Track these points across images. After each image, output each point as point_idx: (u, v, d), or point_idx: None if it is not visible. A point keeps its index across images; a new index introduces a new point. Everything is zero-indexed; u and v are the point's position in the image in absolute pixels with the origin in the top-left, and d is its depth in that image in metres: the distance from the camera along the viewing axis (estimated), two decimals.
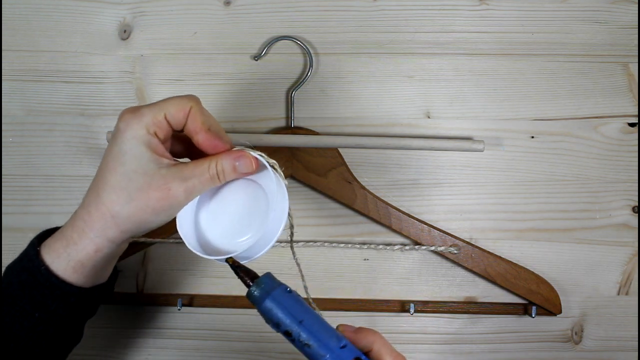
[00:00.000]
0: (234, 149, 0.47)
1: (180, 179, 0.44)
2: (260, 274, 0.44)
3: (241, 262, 0.45)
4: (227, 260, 0.45)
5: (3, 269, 0.69)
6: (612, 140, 0.69)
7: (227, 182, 0.49)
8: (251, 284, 0.43)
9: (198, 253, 0.47)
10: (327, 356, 0.40)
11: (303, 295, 0.47)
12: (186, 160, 0.47)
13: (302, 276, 0.53)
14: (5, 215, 0.70)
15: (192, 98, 0.46)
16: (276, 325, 0.42)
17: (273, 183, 0.46)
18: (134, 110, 0.44)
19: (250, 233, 0.47)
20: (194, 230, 0.49)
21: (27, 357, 0.46)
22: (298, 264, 0.53)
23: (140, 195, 0.43)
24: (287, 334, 0.41)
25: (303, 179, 0.66)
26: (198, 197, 0.48)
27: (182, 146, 0.49)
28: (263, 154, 0.47)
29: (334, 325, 0.43)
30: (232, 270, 0.45)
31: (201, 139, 0.45)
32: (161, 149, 0.45)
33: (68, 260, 0.46)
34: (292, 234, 0.52)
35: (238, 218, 0.49)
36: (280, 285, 0.43)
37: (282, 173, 0.47)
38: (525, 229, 0.69)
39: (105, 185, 0.44)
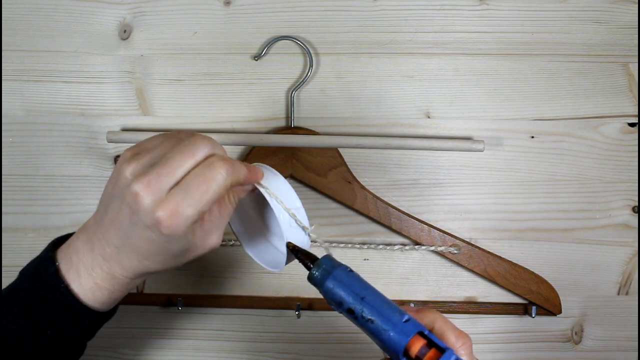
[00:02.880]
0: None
1: (215, 227, 0.45)
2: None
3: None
4: (287, 245, 0.46)
5: (3, 269, 0.69)
6: (612, 140, 0.69)
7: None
8: (312, 266, 0.44)
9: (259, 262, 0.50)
10: (391, 330, 0.40)
11: None
12: None
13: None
14: (5, 215, 0.70)
15: (224, 164, 0.43)
16: (338, 304, 0.42)
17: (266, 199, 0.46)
18: (175, 213, 0.41)
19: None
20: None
21: None
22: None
23: (185, 259, 0.45)
24: (350, 312, 0.42)
25: (303, 179, 0.66)
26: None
27: None
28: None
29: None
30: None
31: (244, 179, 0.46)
32: None
33: (103, 297, 0.45)
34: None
35: (274, 222, 0.51)
36: (340, 265, 0.43)
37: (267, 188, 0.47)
38: (525, 229, 0.69)
39: (142, 259, 0.44)
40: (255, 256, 0.51)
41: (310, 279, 0.44)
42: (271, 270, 0.50)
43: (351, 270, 0.43)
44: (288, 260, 0.48)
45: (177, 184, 0.41)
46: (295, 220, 0.46)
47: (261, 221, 0.53)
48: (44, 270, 0.45)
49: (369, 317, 0.41)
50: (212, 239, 0.45)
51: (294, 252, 0.46)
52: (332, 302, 0.43)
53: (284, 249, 0.47)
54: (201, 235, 0.44)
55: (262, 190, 0.46)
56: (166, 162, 0.41)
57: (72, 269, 0.45)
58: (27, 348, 0.44)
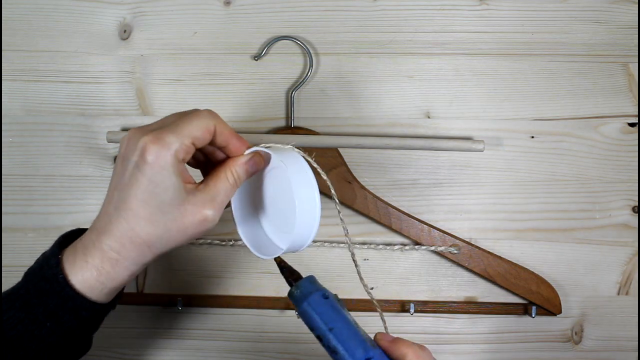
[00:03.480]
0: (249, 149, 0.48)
1: (210, 200, 0.45)
2: (305, 275, 0.45)
3: (297, 251, 0.47)
4: (274, 258, 0.46)
5: (3, 269, 0.69)
6: (612, 140, 0.69)
7: (259, 180, 0.50)
8: (293, 284, 0.44)
9: (257, 254, 0.49)
10: None
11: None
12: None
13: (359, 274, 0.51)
14: (5, 215, 0.70)
15: (212, 115, 0.46)
16: (310, 328, 0.43)
17: (292, 171, 0.46)
18: (159, 139, 0.43)
19: (288, 227, 0.47)
20: (249, 229, 0.51)
21: None
22: (354, 260, 0.51)
23: (176, 225, 0.44)
24: (319, 338, 0.43)
25: None
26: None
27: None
28: (283, 147, 0.48)
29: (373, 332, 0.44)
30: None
31: (232, 147, 0.47)
32: (187, 174, 0.45)
33: (102, 288, 0.45)
34: (345, 231, 0.51)
35: (277, 212, 0.49)
36: (319, 290, 0.44)
37: (308, 159, 0.47)
38: (525, 229, 0.69)
39: (138, 218, 0.44)
40: (245, 238, 0.50)
41: (290, 296, 0.44)
42: (260, 256, 0.49)
43: (328, 296, 0.43)
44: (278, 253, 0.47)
45: None
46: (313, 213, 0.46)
47: (261, 206, 0.51)
48: (47, 264, 0.45)
49: (334, 348, 0.42)
50: (207, 211, 0.44)
51: (279, 266, 0.46)
52: (306, 324, 0.43)
53: (281, 244, 0.47)
54: (193, 199, 0.44)
55: (282, 165, 0.46)
56: (171, 126, 0.44)
57: (69, 258, 0.45)
58: (27, 342, 0.44)
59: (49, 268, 0.45)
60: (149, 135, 0.43)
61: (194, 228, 0.44)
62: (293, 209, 0.45)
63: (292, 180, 0.45)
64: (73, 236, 0.48)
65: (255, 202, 0.52)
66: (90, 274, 0.44)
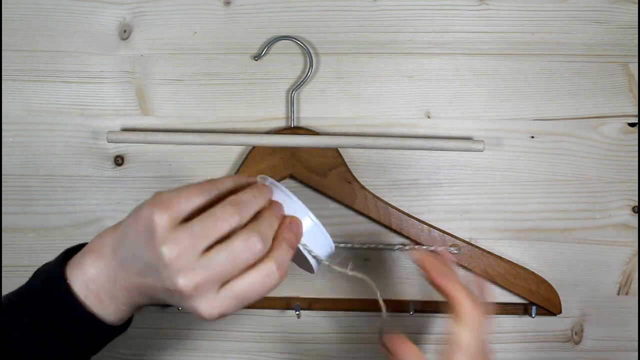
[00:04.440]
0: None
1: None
2: None
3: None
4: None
5: (3, 269, 0.69)
6: (612, 140, 0.69)
7: None
8: None
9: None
10: None
11: None
12: None
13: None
14: (5, 215, 0.70)
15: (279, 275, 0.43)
16: None
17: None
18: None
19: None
20: None
21: None
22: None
23: None
24: None
25: (303, 179, 0.66)
26: None
27: None
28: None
29: None
30: None
31: None
32: None
33: (115, 312, 0.46)
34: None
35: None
36: None
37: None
38: (525, 229, 0.69)
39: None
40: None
41: None
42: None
43: None
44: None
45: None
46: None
47: None
48: (55, 287, 0.44)
49: None
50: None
51: None
52: None
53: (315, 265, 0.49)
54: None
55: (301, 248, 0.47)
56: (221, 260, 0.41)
57: (90, 295, 0.44)
58: None
59: (59, 294, 0.44)
60: (213, 304, 0.42)
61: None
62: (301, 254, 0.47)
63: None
64: (73, 252, 0.47)
65: None
66: (113, 308, 0.45)
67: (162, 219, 0.40)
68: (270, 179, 0.48)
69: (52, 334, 0.44)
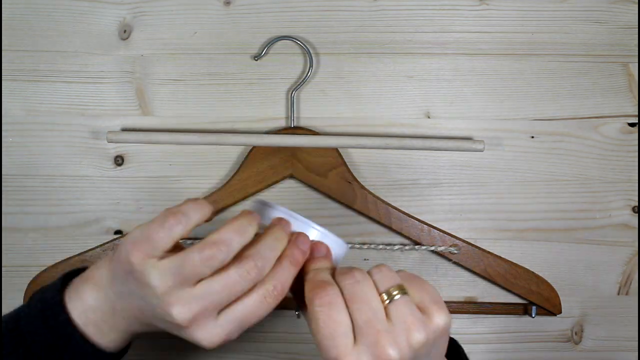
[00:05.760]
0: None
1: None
2: None
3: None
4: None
5: (3, 269, 0.69)
6: (612, 140, 0.69)
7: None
8: None
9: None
10: None
11: None
12: None
13: None
14: (5, 215, 0.70)
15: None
16: None
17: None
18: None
19: None
20: None
21: None
22: None
23: None
24: None
25: (303, 179, 0.66)
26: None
27: None
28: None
29: None
30: None
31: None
32: None
33: (115, 341, 0.45)
34: None
35: None
36: None
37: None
38: (525, 229, 0.69)
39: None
40: None
41: None
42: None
43: None
44: None
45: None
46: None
47: None
48: (53, 317, 0.44)
49: None
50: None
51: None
52: None
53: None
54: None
55: None
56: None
57: (90, 324, 0.44)
58: None
59: (58, 325, 0.43)
60: (214, 333, 0.42)
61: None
62: None
63: None
64: (70, 277, 0.46)
65: None
66: (113, 336, 0.45)
67: (137, 258, 0.40)
68: (263, 200, 0.47)
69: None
